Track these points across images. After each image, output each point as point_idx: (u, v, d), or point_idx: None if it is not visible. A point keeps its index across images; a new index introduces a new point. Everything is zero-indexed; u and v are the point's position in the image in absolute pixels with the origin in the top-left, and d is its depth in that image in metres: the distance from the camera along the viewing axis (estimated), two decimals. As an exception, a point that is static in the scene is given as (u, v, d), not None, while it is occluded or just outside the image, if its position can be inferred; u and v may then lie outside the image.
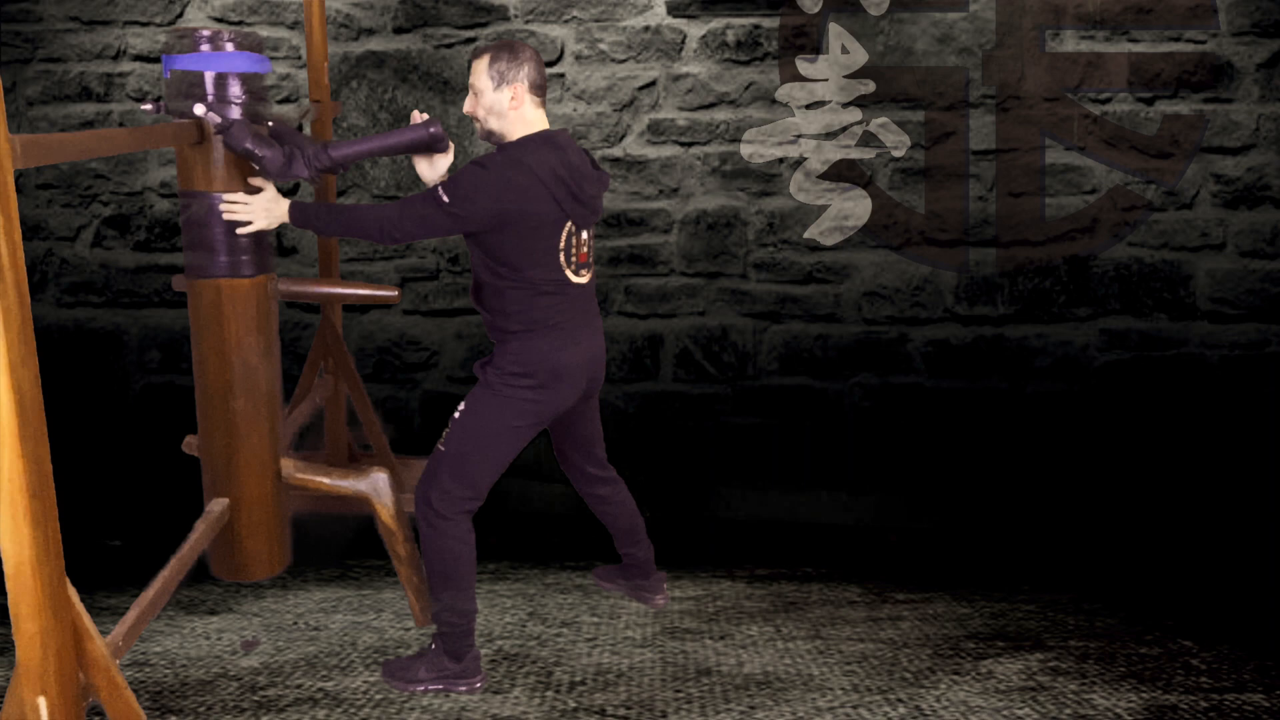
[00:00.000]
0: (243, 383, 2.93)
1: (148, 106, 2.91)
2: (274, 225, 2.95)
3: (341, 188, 5.07)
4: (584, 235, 2.99)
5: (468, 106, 2.98)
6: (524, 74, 2.91)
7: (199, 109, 2.78)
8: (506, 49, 2.93)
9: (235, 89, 2.84)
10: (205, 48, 2.83)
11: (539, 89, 2.95)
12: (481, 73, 2.92)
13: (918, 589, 4.03)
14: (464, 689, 3.01)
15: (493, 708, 2.89)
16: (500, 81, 2.90)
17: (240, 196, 2.89)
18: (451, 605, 2.97)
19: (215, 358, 2.91)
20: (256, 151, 2.79)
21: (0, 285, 1.70)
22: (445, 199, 2.81)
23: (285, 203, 2.95)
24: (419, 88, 5.02)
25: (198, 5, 5.04)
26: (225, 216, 2.87)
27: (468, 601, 2.99)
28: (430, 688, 3.01)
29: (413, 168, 5.04)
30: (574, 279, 2.98)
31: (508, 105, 2.91)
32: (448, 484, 2.95)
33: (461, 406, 3.01)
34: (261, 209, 2.91)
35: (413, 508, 3.06)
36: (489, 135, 2.96)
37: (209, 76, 2.81)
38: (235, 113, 2.83)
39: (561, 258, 2.93)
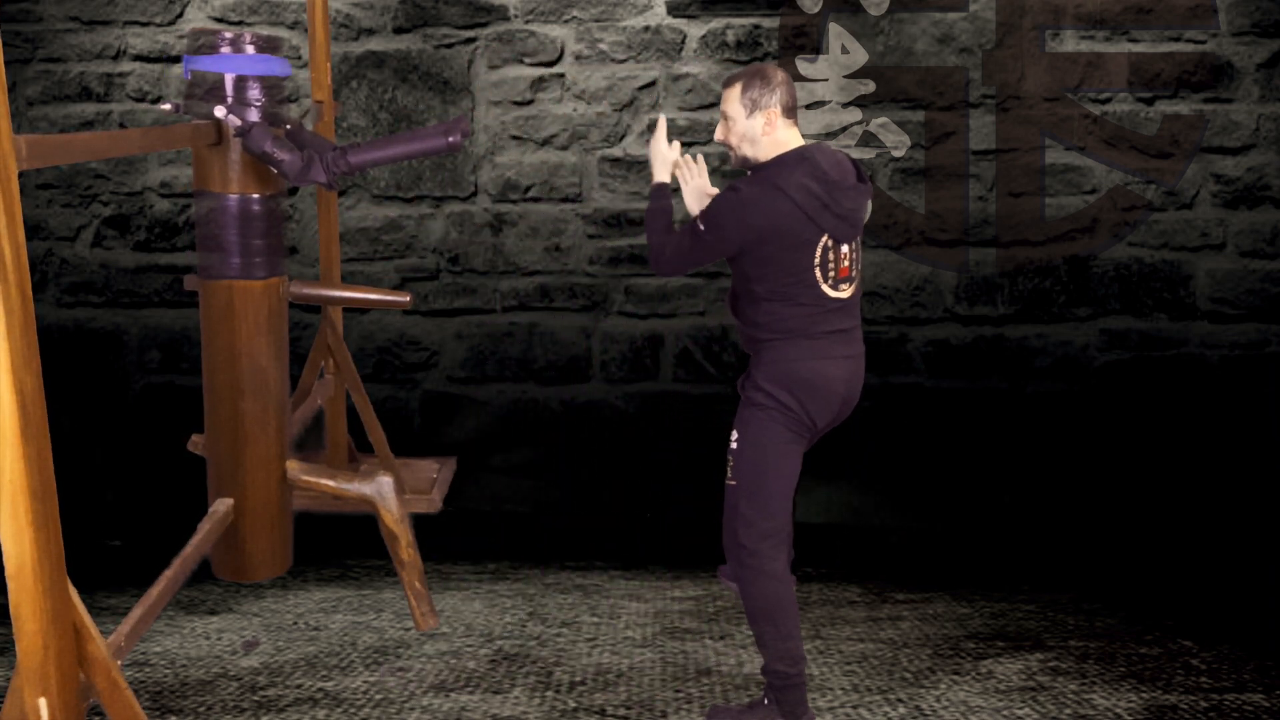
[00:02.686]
0: (252, 384, 2.93)
1: (167, 106, 2.91)
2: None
3: (342, 187, 5.07)
4: (844, 250, 2.93)
5: (719, 135, 2.98)
6: (776, 99, 2.89)
7: (219, 111, 2.77)
8: (759, 76, 2.91)
9: (255, 91, 2.84)
10: (226, 50, 2.83)
11: (790, 111, 2.92)
12: (734, 100, 2.90)
13: (918, 589, 4.03)
14: None
15: (493, 708, 2.90)
16: (753, 109, 2.88)
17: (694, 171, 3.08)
18: (781, 653, 2.80)
19: (225, 358, 2.92)
20: (275, 154, 2.79)
21: (3, 286, 1.70)
22: (701, 228, 2.87)
23: (659, 180, 3.05)
24: (419, 88, 5.02)
25: (198, 5, 5.04)
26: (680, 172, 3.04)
27: (796, 647, 2.80)
28: None
29: (413, 168, 5.05)
30: (832, 293, 2.93)
31: (761, 132, 2.89)
32: (750, 515, 2.87)
33: (735, 435, 2.95)
34: (697, 187, 3.09)
35: (415, 509, 3.06)
36: (744, 162, 2.94)
37: (229, 79, 2.81)
38: (254, 115, 2.82)
39: (818, 273, 2.90)
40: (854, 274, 2.98)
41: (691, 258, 2.94)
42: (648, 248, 3.01)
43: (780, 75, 2.92)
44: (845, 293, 2.97)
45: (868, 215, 3.03)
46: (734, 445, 2.94)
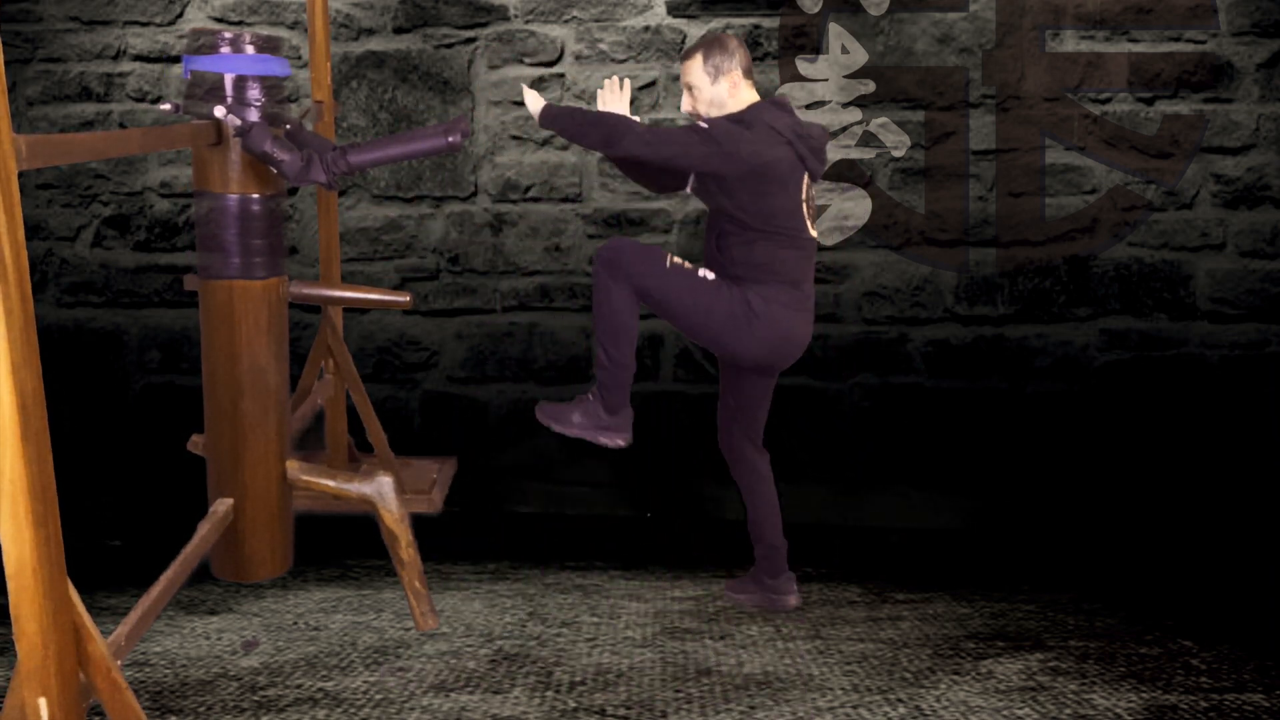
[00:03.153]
0: (252, 384, 2.93)
1: (166, 106, 2.92)
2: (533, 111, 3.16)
3: (342, 187, 5.07)
4: (812, 189, 3.14)
5: (686, 106, 3.15)
6: (736, 62, 3.09)
7: (219, 111, 2.78)
8: (717, 44, 3.09)
9: (255, 91, 2.85)
10: (226, 49, 2.83)
11: (749, 73, 3.13)
12: (697, 70, 3.08)
13: (918, 589, 4.03)
14: (606, 441, 3.26)
15: (493, 708, 2.90)
16: (717, 75, 3.07)
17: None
18: (614, 357, 3.16)
19: (225, 358, 2.92)
20: (275, 154, 2.80)
21: (3, 286, 1.70)
22: (713, 133, 2.94)
23: (540, 104, 3.16)
24: (419, 88, 5.02)
25: (198, 5, 5.04)
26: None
27: (627, 357, 3.19)
28: (578, 433, 3.24)
29: (413, 168, 5.05)
30: (811, 232, 3.13)
31: (727, 95, 3.08)
32: (638, 269, 3.08)
33: (705, 271, 3.14)
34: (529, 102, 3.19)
35: (415, 509, 3.07)
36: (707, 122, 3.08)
37: (229, 78, 2.82)
38: (254, 115, 2.83)
39: (805, 209, 3.09)
40: (816, 214, 3.30)
41: (692, 155, 2.99)
42: (618, 139, 3.03)
43: (735, 41, 3.12)
44: (815, 232, 3.20)
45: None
46: (700, 272, 3.12)
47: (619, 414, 3.28)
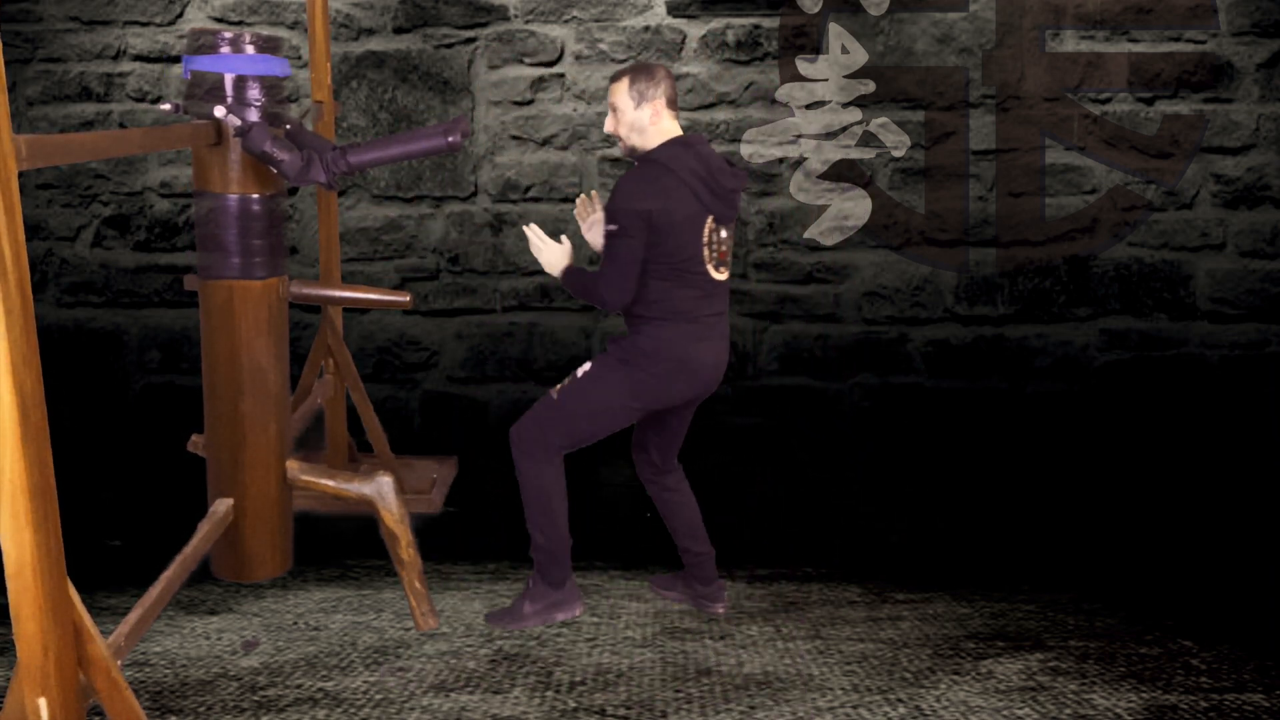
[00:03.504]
0: (251, 384, 2.93)
1: (166, 106, 2.92)
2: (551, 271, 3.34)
3: (342, 187, 5.07)
4: (724, 233, 3.20)
5: (609, 126, 3.26)
6: (661, 91, 3.17)
7: (219, 111, 2.78)
8: (644, 70, 3.19)
9: (254, 91, 2.85)
10: (226, 49, 2.83)
11: (672, 104, 3.22)
12: (623, 93, 3.19)
13: (918, 589, 4.03)
14: (562, 616, 3.38)
15: (493, 708, 2.89)
16: (640, 100, 3.17)
17: (539, 238, 3.32)
18: (550, 536, 3.28)
19: (225, 359, 2.92)
20: (275, 155, 2.80)
21: (3, 285, 1.70)
22: (613, 228, 3.07)
23: (564, 265, 3.32)
24: (419, 88, 5.02)
25: (198, 5, 5.04)
26: (531, 238, 3.30)
27: (563, 531, 3.31)
28: (535, 623, 3.34)
29: (413, 168, 5.05)
30: (714, 275, 3.20)
31: (648, 121, 3.17)
32: (550, 434, 3.22)
33: (588, 367, 3.24)
34: (549, 261, 3.35)
35: (415, 509, 3.07)
36: (631, 151, 3.23)
37: (229, 79, 2.81)
38: (254, 115, 2.83)
39: (705, 252, 3.16)
40: (729, 259, 3.26)
41: (624, 268, 3.12)
42: (600, 303, 3.19)
43: (663, 71, 3.21)
44: (724, 275, 3.25)
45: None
46: (579, 374, 3.23)
47: (565, 586, 3.41)
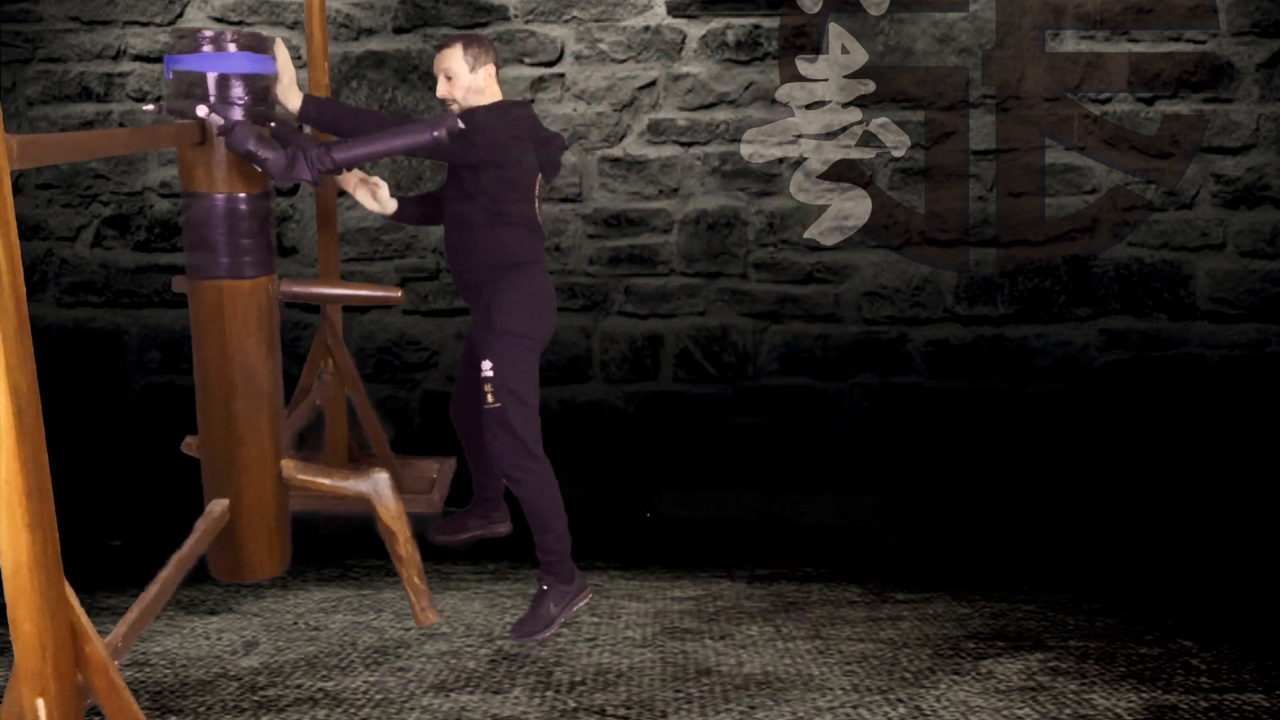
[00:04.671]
0: (244, 384, 2.93)
1: (150, 107, 2.91)
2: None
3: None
4: (538, 189, 3.41)
5: (442, 91, 3.36)
6: (491, 57, 3.35)
7: (201, 110, 2.77)
8: (474, 38, 3.35)
9: (238, 90, 2.84)
10: (208, 48, 2.82)
11: (498, 67, 3.42)
12: (457, 58, 3.31)
13: (918, 589, 4.02)
14: (583, 603, 3.47)
15: (493, 708, 2.89)
16: (475, 64, 3.32)
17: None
18: (557, 532, 3.37)
19: (216, 359, 2.91)
20: (259, 153, 2.79)
21: (-2, 286, 1.70)
22: (461, 125, 3.07)
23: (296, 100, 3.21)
24: (419, 88, 5.02)
25: (198, 5, 5.04)
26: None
27: (565, 525, 3.40)
28: (564, 620, 3.41)
29: (413, 167, 5.05)
30: (539, 223, 3.41)
31: (484, 84, 3.34)
32: (525, 432, 3.30)
33: (491, 365, 3.29)
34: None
35: (415, 508, 3.07)
36: (466, 113, 3.28)
37: (211, 77, 2.81)
38: (238, 114, 2.82)
39: (536, 203, 3.37)
40: (541, 216, 3.47)
41: (443, 150, 3.11)
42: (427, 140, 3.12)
43: (488, 40, 3.42)
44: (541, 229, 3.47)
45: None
46: (490, 374, 3.29)
47: (576, 577, 3.47)
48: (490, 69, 3.35)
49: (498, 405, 3.28)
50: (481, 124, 3.19)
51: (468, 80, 3.32)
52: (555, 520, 3.36)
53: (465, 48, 3.32)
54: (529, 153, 3.31)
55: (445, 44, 3.35)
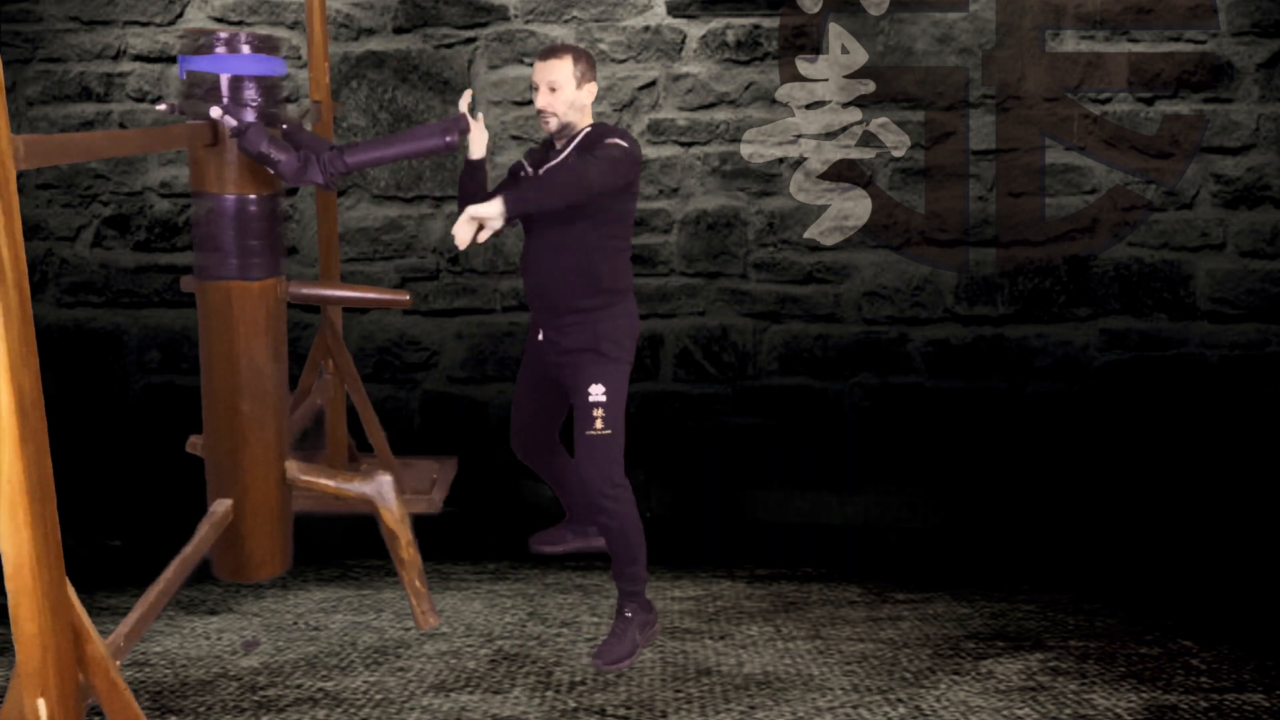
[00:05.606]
0: (250, 385, 2.93)
1: (162, 106, 2.91)
2: (499, 222, 2.99)
3: (342, 187, 5.07)
4: None
5: (544, 102, 3.15)
6: (594, 74, 3.21)
7: (215, 111, 2.77)
8: (584, 53, 3.20)
9: (250, 91, 2.84)
10: (221, 49, 2.83)
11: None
12: (565, 71, 3.13)
13: (918, 589, 4.03)
14: (658, 627, 3.39)
15: (493, 708, 2.89)
16: (582, 80, 3.16)
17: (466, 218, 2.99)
18: (641, 561, 3.26)
19: (223, 359, 2.91)
20: (272, 155, 2.79)
21: (2, 285, 1.70)
22: (624, 144, 3.06)
23: (500, 201, 2.96)
24: (419, 88, 5.02)
25: (197, 5, 5.04)
26: (462, 235, 2.97)
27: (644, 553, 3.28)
28: (646, 644, 3.31)
29: (413, 168, 5.05)
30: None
31: (586, 100, 3.19)
32: (618, 458, 3.16)
33: (603, 389, 3.16)
34: (485, 213, 2.97)
35: (415, 509, 3.06)
36: (564, 129, 3.17)
37: (225, 78, 2.81)
38: (250, 115, 2.82)
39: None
40: None
41: (619, 172, 3.07)
42: (569, 197, 3.02)
43: (592, 56, 3.27)
44: None
45: None
46: (603, 398, 3.16)
47: (653, 607, 3.39)
48: (593, 87, 3.20)
49: (607, 431, 3.15)
50: (627, 149, 3.08)
51: (572, 95, 3.14)
52: (641, 549, 3.25)
53: (575, 61, 3.15)
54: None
55: (552, 53, 3.16)
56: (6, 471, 1.75)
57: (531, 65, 4.98)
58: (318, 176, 2.87)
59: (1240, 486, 4.83)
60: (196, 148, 2.83)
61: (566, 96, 3.14)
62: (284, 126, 2.99)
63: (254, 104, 2.84)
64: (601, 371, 3.17)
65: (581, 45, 4.95)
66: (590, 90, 3.19)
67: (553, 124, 3.17)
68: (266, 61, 2.87)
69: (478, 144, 3.26)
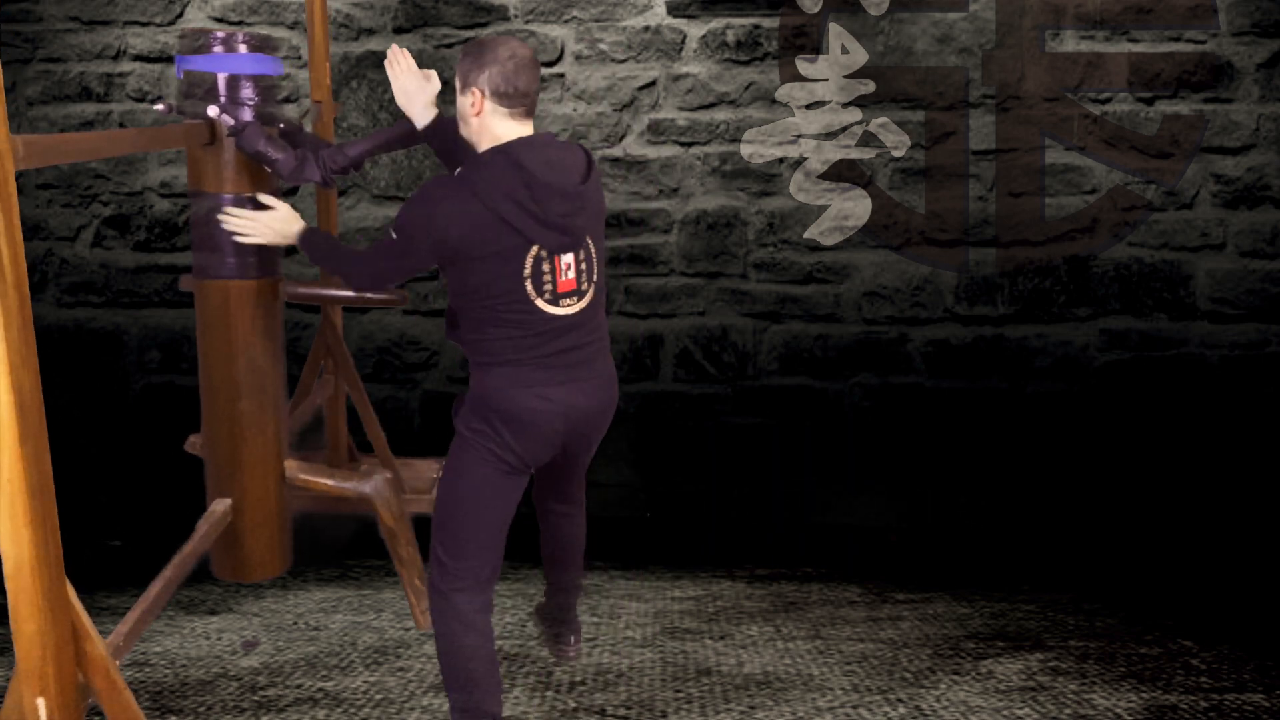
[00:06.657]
0: (248, 384, 2.93)
1: (160, 106, 2.92)
2: (280, 244, 2.83)
3: (342, 187, 5.07)
4: (565, 260, 2.50)
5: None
6: (485, 78, 2.46)
7: (212, 111, 2.78)
8: (475, 47, 2.52)
9: (248, 91, 2.85)
10: (218, 49, 2.83)
11: (508, 99, 2.47)
12: (457, 70, 2.55)
13: (918, 589, 4.03)
14: None
15: (493, 708, 2.89)
16: (464, 84, 2.50)
17: (245, 213, 2.80)
18: (463, 708, 2.49)
19: (221, 359, 2.92)
20: (269, 154, 2.80)
21: (1, 285, 1.70)
22: (392, 236, 2.49)
23: (297, 226, 2.78)
24: (419, 88, 5.02)
25: (198, 5, 5.04)
26: (226, 226, 2.84)
27: (489, 703, 2.49)
28: None
29: (413, 167, 5.05)
30: (552, 310, 2.49)
31: (469, 112, 2.49)
32: (441, 554, 2.53)
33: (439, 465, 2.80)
34: (267, 228, 2.79)
35: (415, 509, 3.06)
36: (468, 145, 2.60)
37: (222, 78, 2.82)
38: (247, 114, 2.83)
39: (529, 285, 2.46)
40: (585, 285, 2.56)
41: (388, 272, 2.58)
42: (348, 279, 2.70)
43: (501, 53, 2.47)
44: (572, 308, 2.53)
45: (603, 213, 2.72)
46: (436, 476, 2.71)
47: None
48: (478, 93, 2.48)
49: (438, 515, 2.63)
50: (405, 220, 2.51)
51: (458, 101, 2.52)
52: (457, 689, 2.54)
53: (461, 58, 2.52)
54: (490, 238, 2.49)
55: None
56: (6, 471, 1.75)
57: (531, 65, 4.98)
58: (315, 175, 2.88)
59: (1240, 486, 4.83)
60: (194, 147, 2.84)
61: (458, 103, 2.54)
62: (281, 126, 3.00)
63: (251, 103, 2.85)
64: (451, 448, 2.60)
65: (581, 45, 4.95)
66: (474, 100, 2.48)
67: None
68: (263, 61, 2.87)
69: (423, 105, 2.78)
